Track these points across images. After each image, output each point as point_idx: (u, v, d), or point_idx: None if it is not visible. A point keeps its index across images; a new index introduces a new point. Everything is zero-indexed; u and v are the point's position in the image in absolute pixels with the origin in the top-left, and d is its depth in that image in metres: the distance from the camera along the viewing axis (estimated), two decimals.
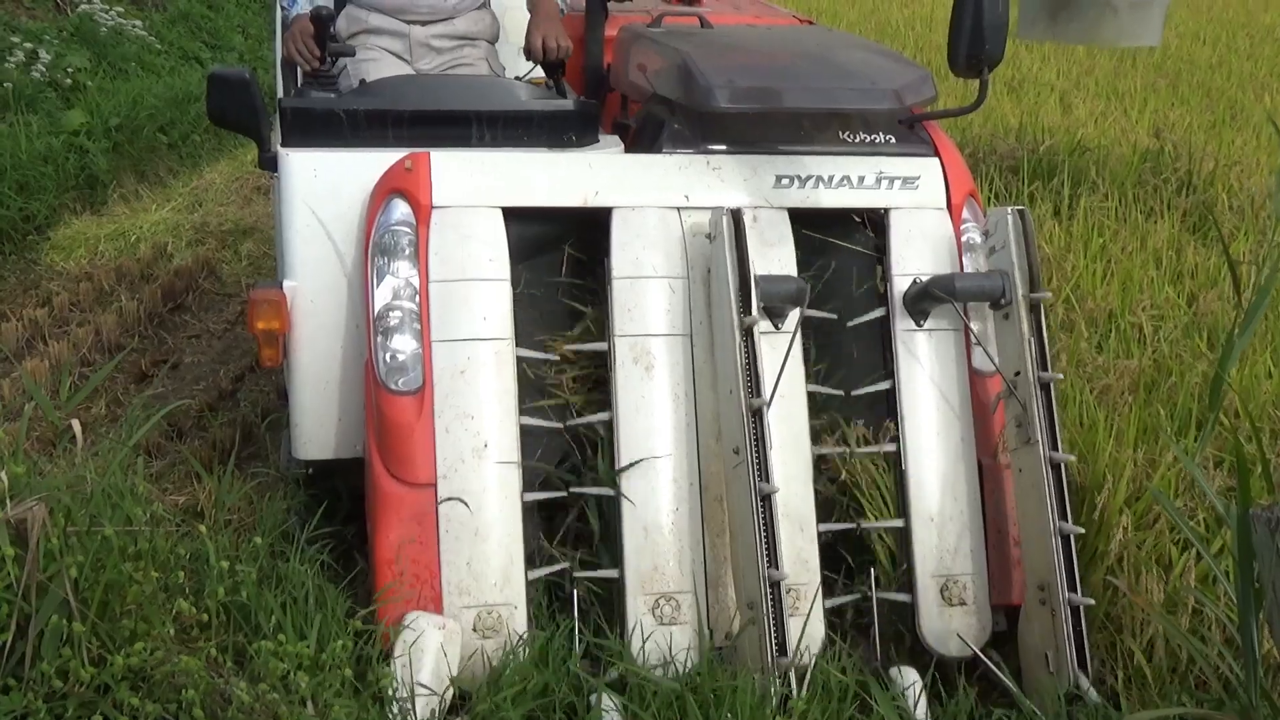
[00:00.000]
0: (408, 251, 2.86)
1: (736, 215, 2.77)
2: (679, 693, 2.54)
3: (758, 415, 2.64)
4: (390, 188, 2.91)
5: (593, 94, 3.80)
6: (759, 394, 2.66)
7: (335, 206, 3.02)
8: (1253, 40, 11.88)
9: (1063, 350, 3.83)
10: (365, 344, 2.88)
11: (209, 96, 3.21)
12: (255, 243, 6.68)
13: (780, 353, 2.80)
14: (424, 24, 3.87)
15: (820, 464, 2.97)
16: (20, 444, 2.83)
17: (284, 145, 3.10)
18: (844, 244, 3.15)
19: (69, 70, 7.75)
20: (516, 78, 3.77)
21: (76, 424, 2.94)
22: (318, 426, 3.11)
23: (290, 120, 3.13)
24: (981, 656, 2.85)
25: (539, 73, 3.62)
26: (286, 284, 3.04)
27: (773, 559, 2.57)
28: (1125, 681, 2.79)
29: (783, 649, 2.56)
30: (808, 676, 2.62)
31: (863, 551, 2.98)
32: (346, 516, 3.28)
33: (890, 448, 2.96)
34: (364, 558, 2.98)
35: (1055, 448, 2.77)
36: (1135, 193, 5.61)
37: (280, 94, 3.69)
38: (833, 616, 2.89)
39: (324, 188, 3.02)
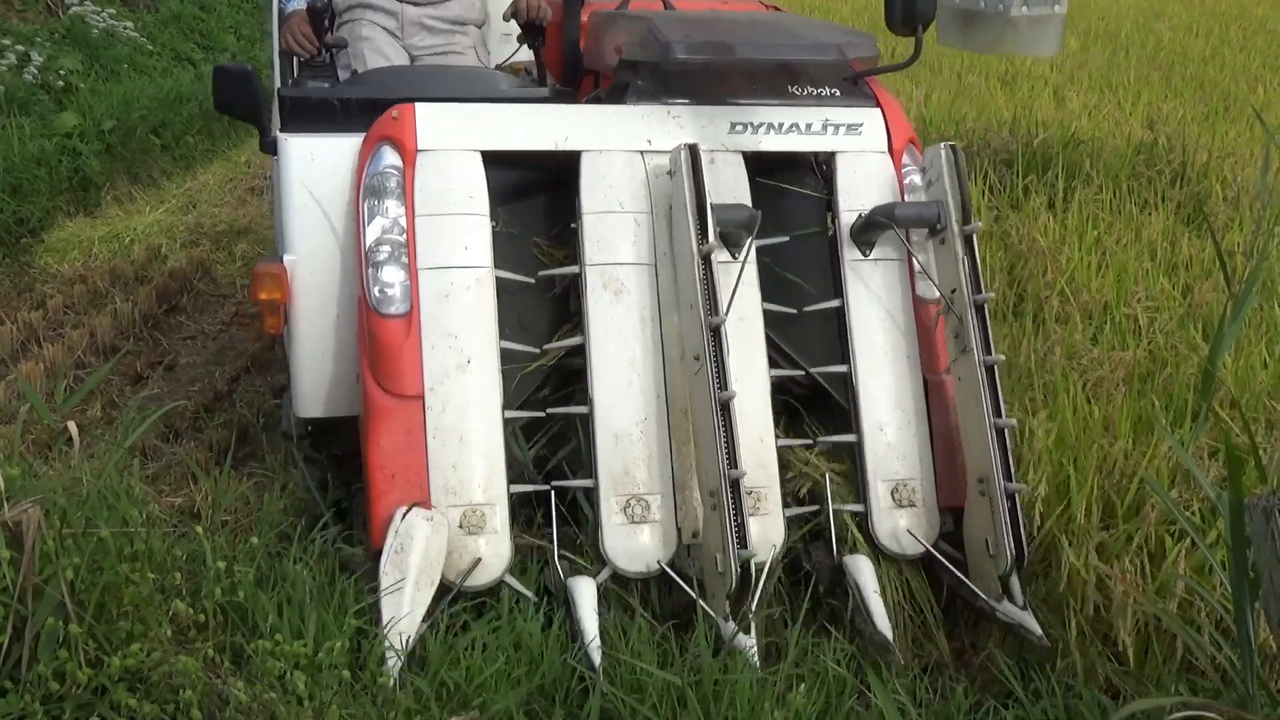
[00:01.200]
0: (396, 192, 3.10)
1: (694, 150, 3.01)
2: (679, 686, 2.54)
3: (716, 331, 2.87)
4: (379, 135, 3.15)
5: (569, 80, 4.02)
6: (716, 312, 2.88)
7: (330, 186, 3.24)
8: (1245, 32, 11.89)
9: (1057, 343, 3.83)
10: (358, 279, 3.09)
11: (215, 88, 3.49)
12: (249, 244, 6.68)
13: (745, 292, 3.07)
14: (417, 4, 4.09)
15: (783, 388, 3.26)
16: (16, 446, 2.83)
17: (283, 131, 3.33)
18: (796, 188, 3.42)
19: (61, 72, 7.74)
20: (499, 66, 4.15)
21: (73, 426, 2.94)
22: (316, 387, 3.32)
23: (288, 108, 3.39)
24: (931, 551, 3.07)
25: (520, 56, 4.05)
26: (286, 258, 3.25)
27: (732, 460, 2.78)
28: (1123, 672, 2.79)
29: (743, 541, 2.74)
30: (765, 572, 2.89)
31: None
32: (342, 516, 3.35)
33: (842, 368, 3.22)
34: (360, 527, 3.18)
35: (989, 353, 3.01)
36: (1130, 185, 5.62)
37: (278, 84, 3.87)
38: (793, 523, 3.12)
39: (319, 169, 3.25)
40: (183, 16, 10.12)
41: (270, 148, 3.42)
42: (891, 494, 3.12)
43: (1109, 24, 12.06)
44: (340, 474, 3.49)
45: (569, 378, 3.19)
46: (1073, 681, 2.78)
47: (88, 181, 6.95)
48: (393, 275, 3.05)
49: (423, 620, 2.75)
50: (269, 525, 3.16)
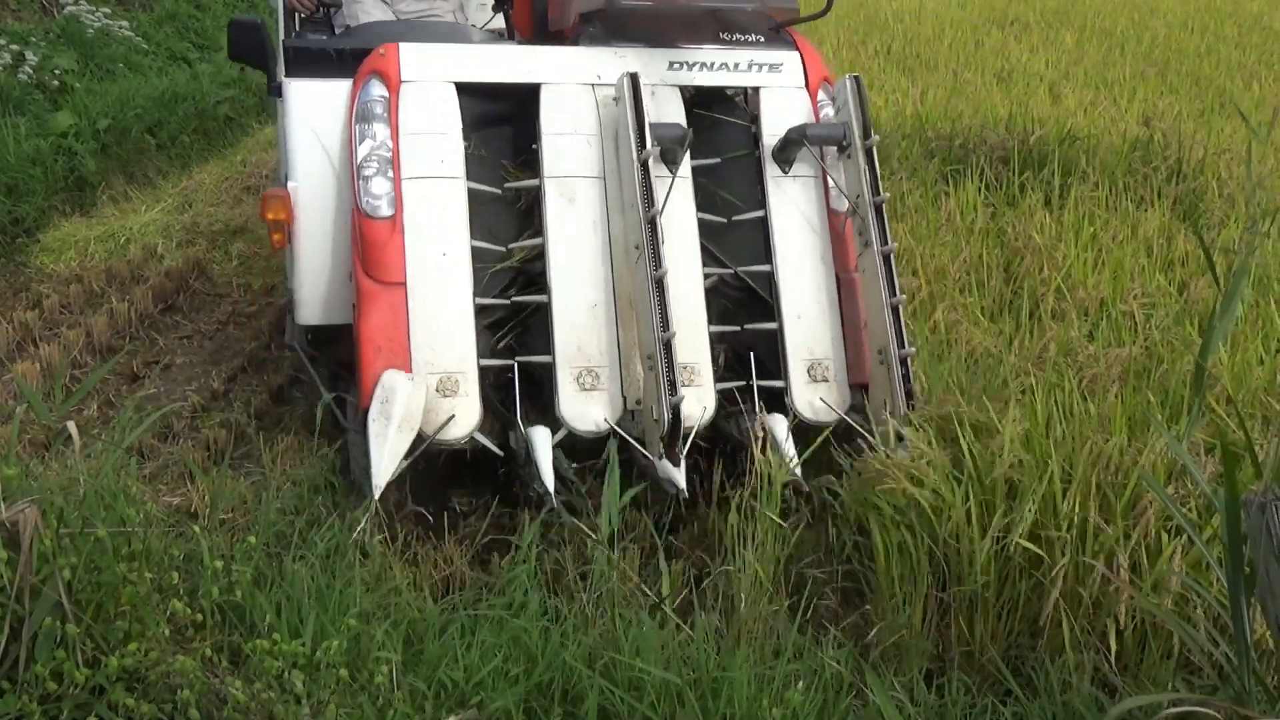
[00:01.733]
0: (383, 117, 3.68)
1: (634, 78, 3.59)
2: (677, 685, 2.55)
3: (652, 223, 3.42)
4: (369, 70, 3.74)
5: (537, 39, 4.43)
6: (652, 206, 3.43)
7: (326, 122, 3.83)
8: (1241, 28, 11.90)
9: (1053, 339, 3.84)
10: (351, 193, 3.65)
11: (230, 40, 4.29)
12: (246, 242, 6.67)
13: (676, 192, 3.66)
14: None
15: (720, 289, 3.83)
16: (13, 446, 2.82)
17: (287, 76, 4.02)
18: (727, 117, 4.06)
19: (56, 72, 7.72)
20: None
21: (72, 426, 2.94)
22: (315, 297, 3.88)
23: (291, 56, 4.10)
24: (844, 416, 3.61)
25: (495, 24, 4.78)
26: (290, 184, 3.82)
27: (664, 325, 3.35)
28: (1119, 669, 2.80)
29: (673, 389, 3.30)
30: (694, 430, 3.47)
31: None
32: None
33: (766, 268, 3.77)
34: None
35: (885, 245, 3.60)
36: (1125, 181, 5.63)
37: (283, 36, 4.46)
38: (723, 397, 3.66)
39: (318, 108, 3.85)
40: (178, 15, 10.10)
41: (276, 91, 4.17)
42: (808, 371, 3.68)
43: (1104, 20, 12.07)
44: (337, 386, 3.97)
45: (531, 281, 3.72)
46: (1069, 678, 2.78)
47: (83, 181, 6.94)
48: (380, 186, 3.61)
49: (403, 460, 3.28)
50: (266, 525, 3.16)
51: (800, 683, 2.62)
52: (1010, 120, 6.71)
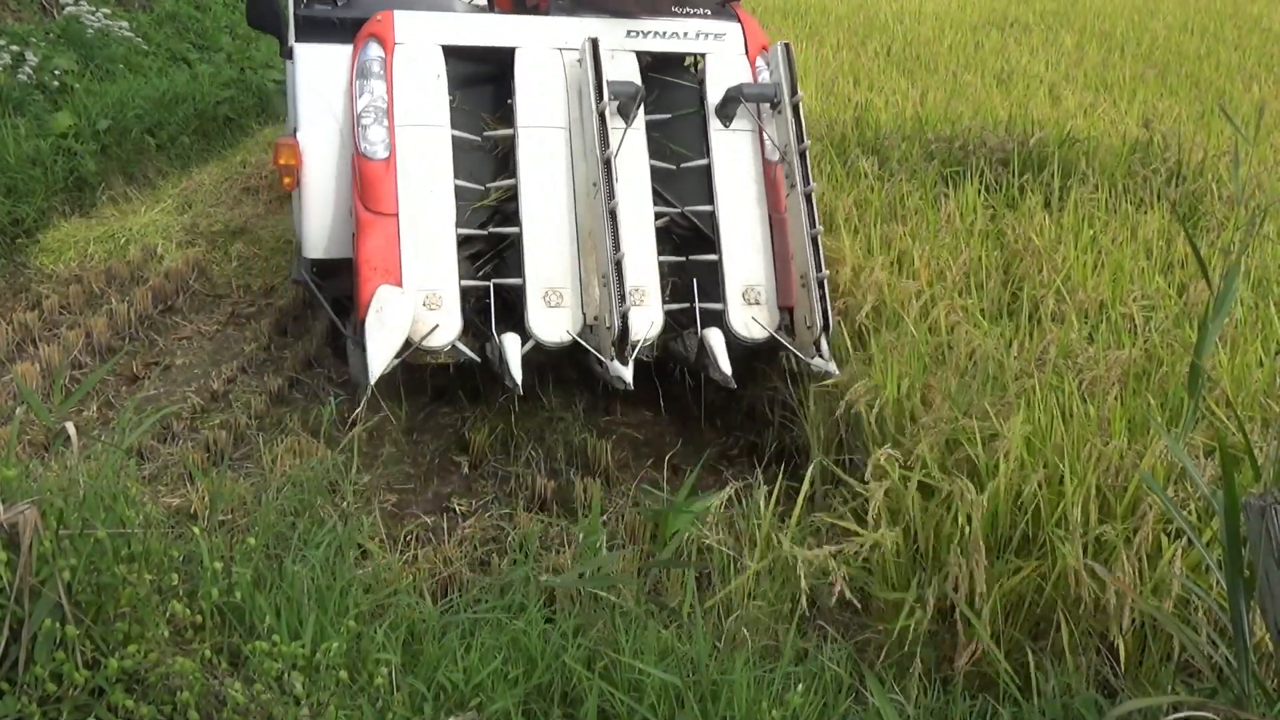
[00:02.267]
0: (379, 74, 4.31)
1: (594, 42, 4.22)
2: (677, 687, 2.55)
3: (607, 164, 4.08)
4: (368, 33, 4.37)
5: (515, 10, 5.14)
6: (608, 148, 4.10)
7: (330, 81, 4.50)
8: (1240, 30, 11.91)
9: (1053, 342, 3.84)
10: (351, 140, 4.28)
11: (248, 6, 5.13)
12: (245, 243, 6.67)
13: (630, 144, 4.34)
14: None
15: (671, 228, 4.54)
16: (12, 447, 2.82)
17: (296, 41, 4.69)
18: (677, 80, 4.78)
19: (56, 72, 7.72)
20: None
21: (71, 427, 2.93)
22: (320, 233, 4.52)
23: (301, 23, 4.76)
24: (773, 334, 4.29)
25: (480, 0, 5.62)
26: (299, 134, 4.50)
27: (615, 247, 3.98)
28: (1119, 671, 2.80)
29: (622, 299, 3.96)
30: (648, 353, 4.26)
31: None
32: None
33: (709, 208, 4.46)
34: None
35: (807, 185, 4.25)
36: (1125, 184, 5.63)
37: (293, 6, 4.97)
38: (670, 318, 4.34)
39: (323, 68, 4.56)
40: (178, 16, 10.10)
41: (288, 54, 4.84)
42: (743, 296, 4.35)
43: (1104, 22, 12.07)
44: (339, 312, 4.55)
45: (506, 219, 4.38)
46: (1070, 680, 2.78)
47: (83, 182, 6.94)
48: (376, 133, 4.24)
49: (393, 359, 3.92)
50: (266, 526, 3.16)
51: (800, 685, 2.62)
52: (1010, 122, 6.71)
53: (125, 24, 9.22)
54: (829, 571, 3.06)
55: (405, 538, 3.75)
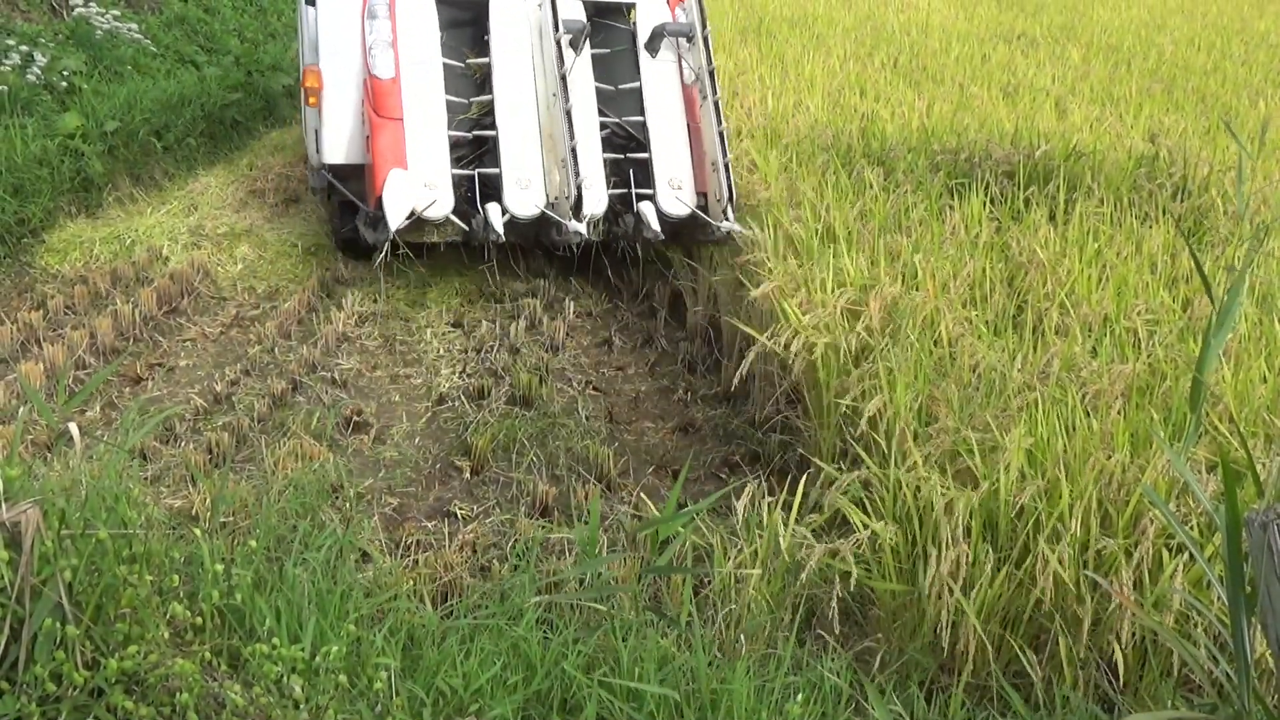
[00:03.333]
0: (385, 15, 5.86)
1: None
2: (676, 700, 2.54)
3: (564, 79, 5.63)
4: None
5: None
6: (563, 65, 5.65)
7: (345, 19, 6.02)
8: (1247, 46, 11.91)
9: (1056, 355, 3.83)
10: (363, 67, 5.88)
11: None
12: (250, 246, 6.68)
13: (579, 69, 5.87)
14: None
15: (611, 138, 6.09)
16: (15, 447, 2.82)
17: None
18: (616, 23, 6.36)
19: (64, 73, 7.74)
20: None
21: (74, 427, 2.94)
22: (336, 141, 5.99)
23: None
24: (693, 210, 5.82)
25: None
26: (321, 62, 6.06)
27: (570, 136, 5.52)
28: (1119, 686, 2.79)
29: (578, 174, 5.51)
30: (595, 234, 5.79)
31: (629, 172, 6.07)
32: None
33: (640, 119, 6.10)
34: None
35: (715, 95, 5.85)
36: (1130, 198, 5.62)
37: None
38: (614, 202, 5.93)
39: (340, 13, 6.06)
40: (186, 19, 10.12)
41: (311, 1, 6.38)
42: (668, 184, 5.93)
43: (1111, 37, 12.08)
44: (349, 211, 6.05)
45: (484, 129, 5.92)
46: (1070, 694, 2.78)
47: (89, 183, 6.95)
48: (385, 58, 5.81)
49: (404, 219, 5.44)
50: (267, 528, 3.16)
51: (799, 695, 2.62)
52: (1016, 135, 6.72)
53: (134, 26, 9.24)
54: (829, 579, 3.06)
55: (406, 542, 3.75)
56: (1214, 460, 3.27)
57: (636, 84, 6.07)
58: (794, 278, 4.54)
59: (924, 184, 5.72)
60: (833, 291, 4.36)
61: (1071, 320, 4.20)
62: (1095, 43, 11.57)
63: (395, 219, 5.34)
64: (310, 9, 6.24)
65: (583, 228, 5.45)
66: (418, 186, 5.49)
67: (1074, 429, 3.35)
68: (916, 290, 4.41)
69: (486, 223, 5.47)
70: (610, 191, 5.80)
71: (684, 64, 6.13)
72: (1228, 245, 5.01)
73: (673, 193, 5.81)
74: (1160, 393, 3.65)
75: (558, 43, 5.59)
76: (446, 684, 2.61)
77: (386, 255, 5.51)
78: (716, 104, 5.76)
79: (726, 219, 5.61)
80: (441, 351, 5.56)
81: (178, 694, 2.30)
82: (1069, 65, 10.07)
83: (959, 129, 6.91)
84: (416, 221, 5.47)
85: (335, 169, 5.98)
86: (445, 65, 5.84)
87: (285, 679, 2.39)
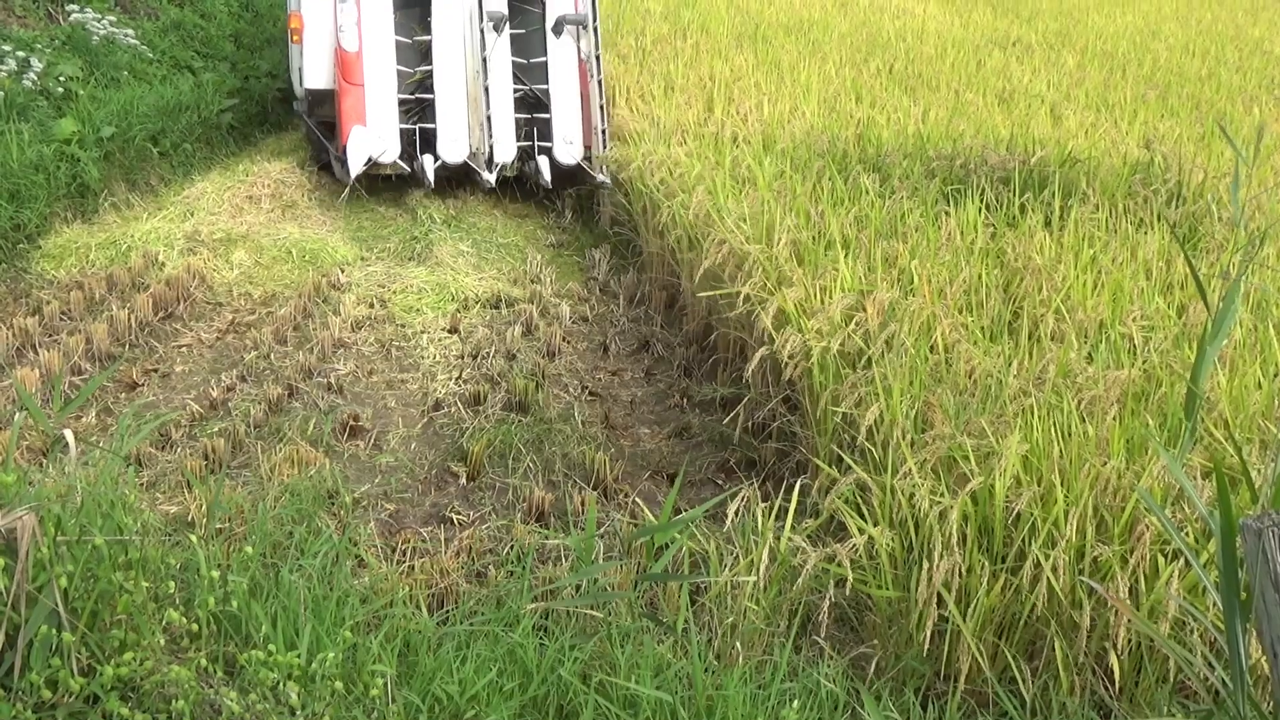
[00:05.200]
0: (352, 1, 7.46)
1: None
2: (671, 705, 2.54)
3: (484, 61, 7.48)
4: None
5: None
6: (485, 49, 7.49)
7: None
8: (1242, 53, 11.95)
9: (1052, 361, 3.84)
10: (334, 39, 7.49)
11: None
12: (246, 251, 6.68)
13: (499, 48, 7.61)
14: None
15: (525, 99, 7.88)
16: (10, 453, 2.82)
17: None
18: (531, 8, 7.96)
19: (61, 79, 7.74)
20: None
21: (69, 433, 2.93)
22: (314, 70, 7.66)
23: None
24: (581, 162, 7.63)
25: None
26: (302, 9, 7.65)
27: (487, 105, 7.46)
28: (1117, 692, 2.79)
29: (491, 135, 7.48)
30: (509, 171, 7.74)
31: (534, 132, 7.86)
32: None
33: (545, 87, 7.83)
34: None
35: (599, 73, 7.87)
36: (1125, 204, 5.64)
37: None
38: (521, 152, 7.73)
39: None
40: (183, 24, 10.11)
41: None
42: (564, 139, 7.69)
43: (1106, 43, 12.11)
44: (326, 137, 7.71)
45: (425, 91, 7.68)
46: (1066, 700, 2.78)
47: (86, 188, 6.94)
48: (350, 35, 7.39)
49: (363, 165, 7.23)
50: (263, 535, 3.16)
51: (795, 701, 2.62)
52: (1011, 141, 6.73)
53: (130, 31, 9.24)
54: (826, 585, 3.07)
55: (402, 548, 3.74)
56: (1209, 466, 3.28)
57: (544, 59, 7.83)
58: (790, 280, 4.54)
59: (920, 190, 5.73)
60: (822, 301, 4.37)
61: (1067, 326, 4.21)
62: (1090, 49, 11.60)
63: (356, 166, 7.18)
64: None
65: (492, 178, 7.36)
66: (373, 139, 7.27)
67: (1070, 435, 3.36)
68: (912, 296, 4.42)
69: (422, 170, 7.33)
70: (521, 143, 7.64)
71: (580, 45, 7.89)
72: (1222, 251, 5.02)
73: (566, 147, 7.66)
74: (1156, 399, 3.66)
75: (482, 31, 7.45)
76: (443, 690, 2.61)
77: (354, 187, 7.40)
78: (600, 81, 7.80)
79: (602, 173, 7.56)
80: (438, 357, 5.57)
81: (174, 701, 2.30)
82: (1064, 71, 10.10)
83: (954, 135, 6.92)
84: (372, 164, 7.25)
85: (313, 93, 7.68)
86: (397, 41, 7.55)
87: (281, 685, 2.39)
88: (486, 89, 7.41)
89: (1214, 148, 6.86)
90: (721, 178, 5.88)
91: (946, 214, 5.35)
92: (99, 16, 9.06)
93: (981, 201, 5.53)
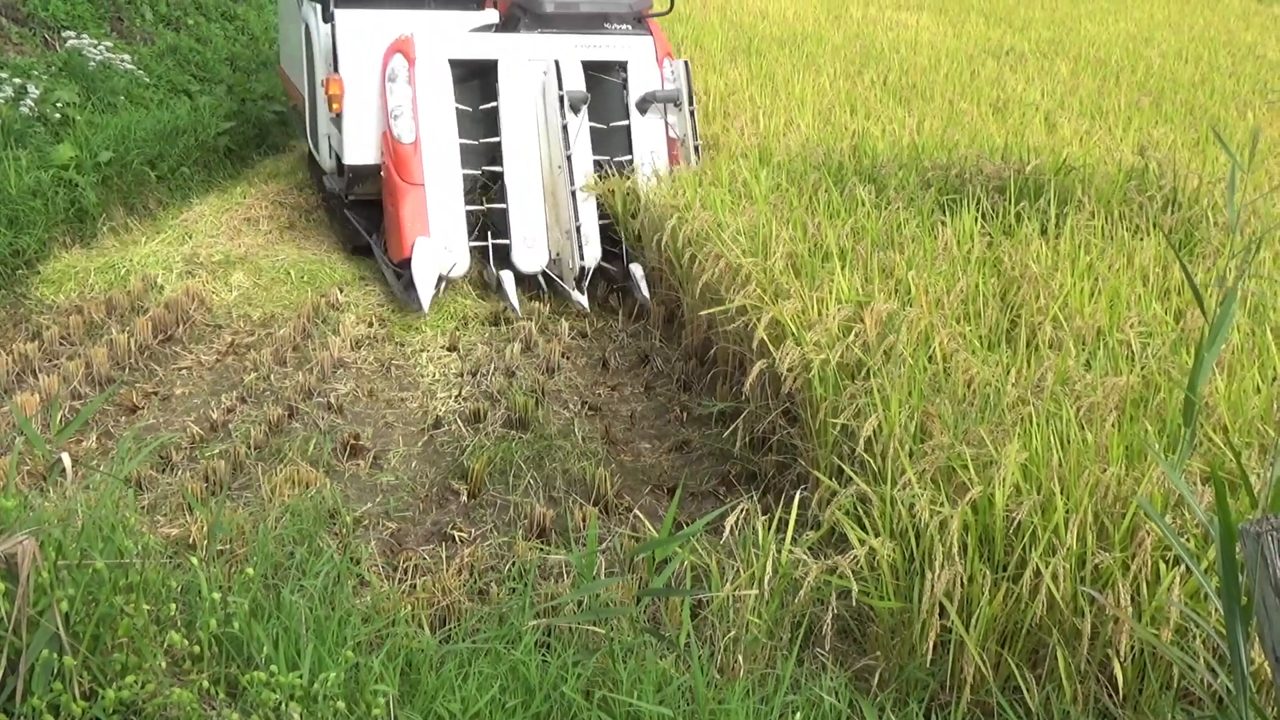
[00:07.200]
0: (404, 79, 6.30)
1: (558, 62, 6.38)
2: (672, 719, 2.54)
3: (569, 158, 6.31)
4: (395, 49, 6.41)
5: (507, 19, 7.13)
6: (569, 147, 6.33)
7: (360, 38, 6.65)
8: (1235, 58, 11.98)
9: (1050, 369, 3.84)
10: (384, 123, 6.39)
11: None
12: (245, 274, 6.69)
13: (579, 137, 6.42)
14: None
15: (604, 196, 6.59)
16: (11, 478, 2.82)
17: (335, 7, 6.70)
18: (610, 79, 6.81)
19: (58, 104, 7.76)
20: None
21: (67, 457, 2.94)
22: (356, 144, 6.58)
23: None
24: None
25: None
26: (341, 72, 6.58)
27: (575, 216, 6.30)
28: (1120, 700, 2.79)
29: (582, 255, 6.35)
30: (590, 267, 6.48)
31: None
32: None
33: (628, 163, 6.68)
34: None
35: (698, 161, 6.71)
36: (1121, 210, 5.64)
37: None
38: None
39: (355, 27, 6.69)
40: (179, 49, 10.15)
41: (329, 17, 6.70)
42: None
43: (1099, 50, 12.14)
44: (366, 219, 6.84)
45: (494, 179, 6.57)
46: (1070, 709, 2.77)
47: (84, 213, 6.96)
48: (406, 124, 6.28)
49: (434, 287, 6.09)
50: (264, 556, 3.16)
51: (798, 714, 2.62)
52: (1006, 150, 6.74)
53: (127, 57, 9.27)
54: (826, 598, 3.06)
55: (404, 567, 3.74)
56: (1209, 472, 3.28)
57: (625, 122, 6.75)
58: (789, 292, 4.55)
59: (915, 200, 5.74)
60: (820, 313, 4.37)
61: (1065, 334, 4.21)
62: (1083, 57, 11.63)
63: (426, 291, 5.99)
64: (325, 25, 6.76)
65: (585, 300, 6.29)
66: (439, 251, 6.14)
67: (1069, 442, 3.36)
68: (910, 306, 4.42)
69: (500, 287, 6.29)
70: (602, 247, 6.49)
71: (668, 122, 6.84)
72: (1218, 257, 5.03)
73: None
74: (1154, 405, 3.66)
75: (564, 129, 6.26)
76: (445, 709, 2.60)
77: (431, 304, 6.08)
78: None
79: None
80: (437, 375, 5.57)
81: None
82: (1058, 80, 10.13)
83: (949, 145, 6.94)
84: (444, 284, 6.20)
85: (355, 170, 6.60)
86: (459, 111, 6.39)
87: (283, 707, 2.39)
88: (574, 194, 6.25)
89: (1208, 153, 6.88)
90: (720, 194, 5.89)
91: (943, 224, 5.36)
92: (95, 42, 9.10)
93: (977, 211, 5.54)
